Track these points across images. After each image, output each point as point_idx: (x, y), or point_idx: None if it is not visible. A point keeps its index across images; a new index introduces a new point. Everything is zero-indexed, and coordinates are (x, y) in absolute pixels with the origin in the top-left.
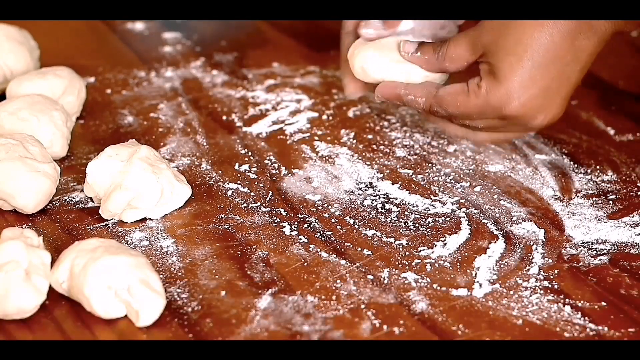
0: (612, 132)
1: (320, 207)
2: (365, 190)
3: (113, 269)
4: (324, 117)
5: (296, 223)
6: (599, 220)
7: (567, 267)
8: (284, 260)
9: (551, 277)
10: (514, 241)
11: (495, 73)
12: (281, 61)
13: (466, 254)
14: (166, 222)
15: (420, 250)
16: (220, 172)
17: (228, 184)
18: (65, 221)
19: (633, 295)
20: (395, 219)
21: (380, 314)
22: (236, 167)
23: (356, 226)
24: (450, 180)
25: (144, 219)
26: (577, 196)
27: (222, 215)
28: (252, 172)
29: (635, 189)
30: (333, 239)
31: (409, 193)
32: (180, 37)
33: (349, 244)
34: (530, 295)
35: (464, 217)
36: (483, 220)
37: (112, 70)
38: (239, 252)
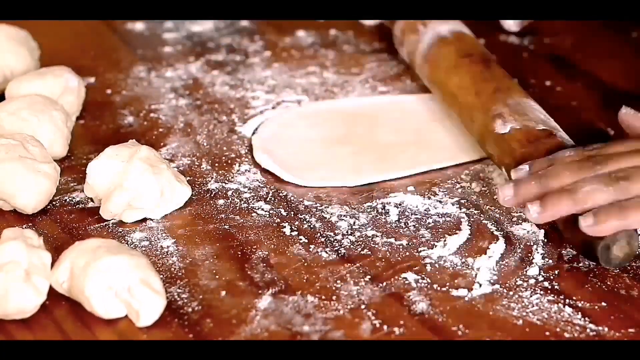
0: (612, 132)
1: (321, 207)
2: (366, 190)
3: (113, 269)
4: None
5: (296, 223)
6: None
7: (568, 268)
8: (284, 260)
9: (551, 277)
10: (514, 242)
11: None
12: (281, 61)
13: (466, 254)
14: (166, 223)
15: (420, 251)
16: (220, 172)
17: (228, 184)
18: (66, 221)
19: (633, 295)
20: (396, 219)
21: (380, 314)
22: (236, 167)
23: (356, 226)
24: (451, 180)
25: (144, 219)
26: None
27: (222, 215)
28: (252, 172)
29: None
30: (333, 239)
31: (409, 193)
32: (180, 37)
33: (349, 244)
34: (531, 296)
35: (464, 218)
36: (483, 221)
37: (112, 70)
38: (239, 252)
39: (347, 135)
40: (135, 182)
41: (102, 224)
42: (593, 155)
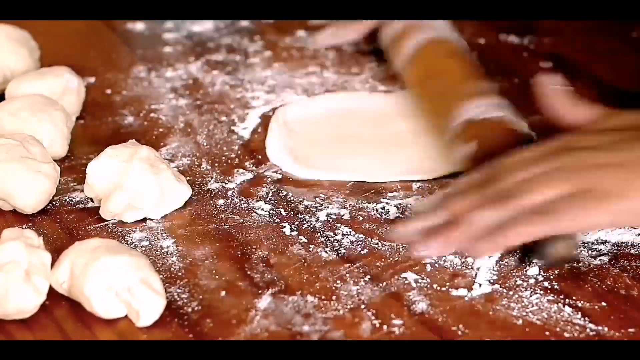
0: None
1: (321, 207)
2: (366, 190)
3: (113, 269)
4: None
5: (296, 223)
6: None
7: (568, 268)
8: (284, 260)
9: (551, 277)
10: None
11: None
12: (281, 61)
13: (466, 254)
14: (166, 222)
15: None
16: (220, 172)
17: (228, 184)
18: (65, 221)
19: (633, 295)
20: (396, 219)
21: (380, 314)
22: (236, 167)
23: (356, 226)
24: (451, 180)
25: (144, 219)
26: None
27: (222, 215)
28: (252, 172)
29: None
30: (333, 239)
31: (410, 193)
32: (180, 37)
33: (349, 244)
34: (530, 296)
35: None
36: None
37: (112, 70)
38: (239, 252)
39: (366, 132)
40: (135, 182)
41: (102, 224)
42: (486, 177)
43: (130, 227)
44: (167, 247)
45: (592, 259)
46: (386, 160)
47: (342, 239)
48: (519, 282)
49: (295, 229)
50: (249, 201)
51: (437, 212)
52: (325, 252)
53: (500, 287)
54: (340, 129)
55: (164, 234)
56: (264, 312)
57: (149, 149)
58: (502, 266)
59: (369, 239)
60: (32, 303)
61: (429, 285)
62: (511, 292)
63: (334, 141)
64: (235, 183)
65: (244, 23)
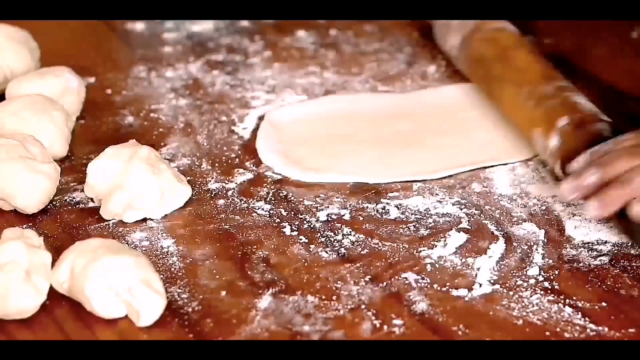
0: None
1: (321, 207)
2: (366, 190)
3: (114, 269)
4: None
5: (296, 223)
6: (599, 220)
7: (568, 268)
8: (284, 260)
9: (551, 277)
10: (514, 242)
11: None
12: (281, 61)
13: (466, 254)
14: (166, 222)
15: (421, 250)
16: (220, 172)
17: (228, 184)
18: (66, 221)
19: (633, 295)
20: (396, 219)
21: (380, 314)
22: (236, 167)
23: (356, 226)
24: (451, 180)
25: (145, 219)
26: None
27: (222, 215)
28: (253, 172)
29: None
30: (333, 239)
31: (410, 193)
32: (180, 37)
33: (349, 244)
34: (531, 296)
35: (464, 218)
36: (483, 221)
37: (112, 70)
38: (240, 252)
39: (356, 133)
40: (136, 182)
41: (102, 224)
42: None
43: (130, 227)
44: (168, 247)
45: (592, 259)
46: (383, 160)
47: (343, 239)
48: (519, 282)
49: (296, 229)
50: (249, 201)
51: (591, 170)
52: (326, 252)
53: (501, 287)
54: (334, 129)
55: (164, 234)
56: (264, 312)
57: (149, 149)
58: (502, 266)
59: (369, 239)
60: (33, 303)
61: (429, 285)
62: (511, 292)
63: (327, 142)
64: (236, 183)
65: (244, 23)
